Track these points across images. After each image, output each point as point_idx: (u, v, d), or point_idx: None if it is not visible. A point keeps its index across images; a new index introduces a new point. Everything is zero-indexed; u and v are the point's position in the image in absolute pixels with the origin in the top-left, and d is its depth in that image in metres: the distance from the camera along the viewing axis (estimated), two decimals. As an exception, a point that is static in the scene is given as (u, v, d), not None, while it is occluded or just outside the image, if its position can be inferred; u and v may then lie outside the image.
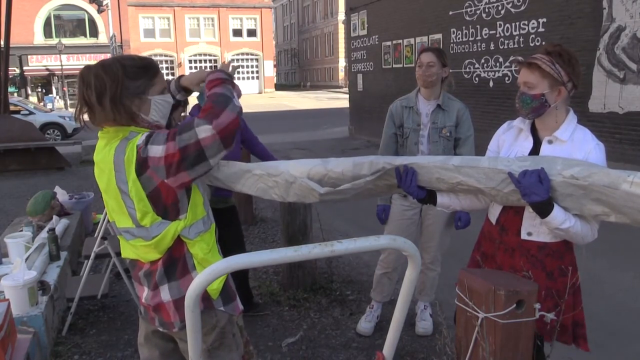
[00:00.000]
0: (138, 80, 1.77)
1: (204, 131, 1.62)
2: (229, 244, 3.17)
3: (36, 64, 33.46)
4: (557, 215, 1.89)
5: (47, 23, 33.84)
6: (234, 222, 3.64)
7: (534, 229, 2.08)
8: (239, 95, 1.80)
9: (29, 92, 32.82)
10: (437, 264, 3.59)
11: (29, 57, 32.91)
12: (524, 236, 2.10)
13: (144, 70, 1.80)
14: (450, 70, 3.38)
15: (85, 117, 1.78)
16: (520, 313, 1.83)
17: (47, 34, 33.71)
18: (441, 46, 10.77)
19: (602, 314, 3.80)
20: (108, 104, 1.70)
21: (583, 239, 1.98)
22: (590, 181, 1.78)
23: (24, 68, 32.56)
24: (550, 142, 2.07)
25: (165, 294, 1.83)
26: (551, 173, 1.86)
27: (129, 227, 1.80)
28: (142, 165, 1.68)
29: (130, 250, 1.87)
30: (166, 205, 1.74)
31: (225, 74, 1.83)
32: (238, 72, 45.32)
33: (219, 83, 1.77)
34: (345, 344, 3.49)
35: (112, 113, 1.71)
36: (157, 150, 1.66)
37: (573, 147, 2.02)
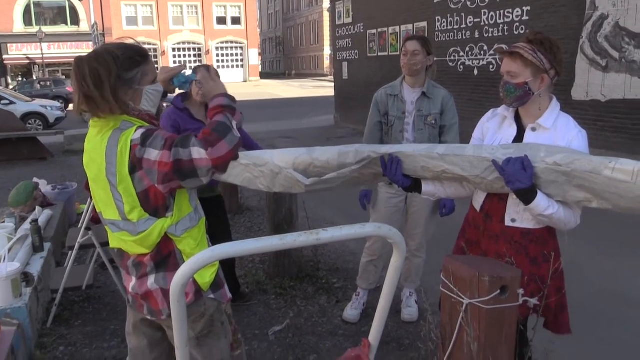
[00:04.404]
0: (132, 70, 1.76)
1: (198, 153, 1.62)
2: (215, 234, 3.16)
3: (16, 52, 32.87)
4: (541, 202, 1.91)
5: (27, 10, 33.21)
6: (220, 212, 3.62)
7: (517, 216, 2.10)
8: (240, 122, 1.80)
9: (9, 81, 32.26)
10: (423, 251, 3.62)
11: (8, 45, 32.33)
12: (508, 223, 2.12)
13: (137, 61, 1.78)
14: (435, 59, 3.38)
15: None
16: (504, 299, 1.85)
17: (27, 21, 33.09)
18: (426, 34, 10.76)
19: (584, 299, 3.86)
20: (110, 95, 1.69)
21: (566, 225, 2.01)
22: (573, 168, 1.81)
23: (4, 57, 31.99)
24: (533, 129, 2.09)
25: (153, 282, 1.83)
26: (535, 160, 1.88)
27: (115, 220, 1.80)
28: (136, 164, 1.68)
29: (116, 241, 1.86)
30: (155, 206, 1.74)
31: (227, 99, 1.81)
32: (222, 61, 45.06)
33: (220, 111, 1.76)
34: (331, 331, 3.51)
35: (115, 104, 1.70)
36: (152, 154, 1.65)
37: (556, 134, 2.04)
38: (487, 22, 9.49)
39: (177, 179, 1.66)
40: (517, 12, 8.80)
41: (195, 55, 44.33)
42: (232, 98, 1.84)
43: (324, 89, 30.95)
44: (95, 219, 3.85)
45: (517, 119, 2.16)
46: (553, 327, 2.21)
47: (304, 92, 31.24)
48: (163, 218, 1.77)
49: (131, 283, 1.89)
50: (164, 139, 1.66)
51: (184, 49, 44.07)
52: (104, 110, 1.72)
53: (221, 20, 45.18)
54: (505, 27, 9.09)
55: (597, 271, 4.41)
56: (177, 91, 2.24)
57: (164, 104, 3.07)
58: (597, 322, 3.56)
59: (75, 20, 34.32)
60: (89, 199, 3.90)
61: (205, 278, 1.87)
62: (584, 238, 4.53)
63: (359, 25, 14.02)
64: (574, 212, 1.99)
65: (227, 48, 46.02)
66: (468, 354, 1.91)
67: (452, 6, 10.31)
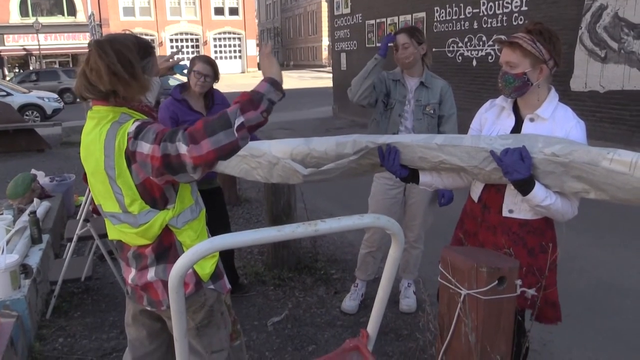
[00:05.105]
0: (145, 59, 1.76)
1: (182, 149, 1.55)
2: (213, 225, 3.16)
3: (13, 43, 32.68)
4: (538, 192, 1.91)
5: (23, 1, 32.97)
6: (218, 203, 3.62)
7: (515, 207, 2.10)
8: (258, 116, 1.60)
9: (6, 72, 32.12)
10: (421, 242, 3.62)
11: (5, 36, 32.13)
12: (505, 213, 2.13)
13: (149, 51, 1.78)
14: (434, 49, 3.36)
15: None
16: (502, 289, 1.86)
17: (24, 12, 32.86)
18: (425, 25, 10.73)
19: (580, 289, 3.88)
20: (142, 76, 1.69)
21: (563, 215, 2.01)
22: (571, 158, 1.81)
23: (0, 48, 31.78)
24: (532, 120, 2.09)
25: (153, 275, 1.83)
26: (532, 151, 1.88)
27: (116, 212, 1.79)
28: (131, 157, 1.66)
29: (116, 233, 1.86)
30: (154, 197, 1.73)
31: (270, 85, 1.66)
32: (220, 52, 44.87)
33: (238, 101, 1.60)
34: (330, 322, 3.52)
35: (145, 82, 1.70)
36: (145, 148, 1.62)
37: (554, 125, 2.03)
38: (485, 13, 9.44)
39: (168, 173, 1.61)
40: (516, 2, 8.77)
41: (192, 46, 44.08)
42: (276, 85, 1.69)
43: (322, 80, 30.83)
44: (96, 210, 3.86)
45: (516, 109, 2.16)
46: (538, 317, 2.19)
47: (303, 83, 31.12)
48: (164, 210, 1.76)
49: (130, 275, 1.89)
50: (155, 133, 1.62)
51: (181, 40, 43.80)
52: (133, 89, 1.68)
53: (219, 11, 44.86)
54: (504, 18, 9.05)
55: (593, 262, 4.43)
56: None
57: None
58: (593, 312, 3.58)
59: (72, 11, 34.05)
60: (87, 191, 3.90)
61: (206, 269, 1.88)
62: (581, 229, 4.55)
63: (357, 15, 13.95)
64: (572, 202, 2.00)
65: (224, 39, 45.75)
66: (466, 344, 1.92)
67: (451, -4, 10.27)
